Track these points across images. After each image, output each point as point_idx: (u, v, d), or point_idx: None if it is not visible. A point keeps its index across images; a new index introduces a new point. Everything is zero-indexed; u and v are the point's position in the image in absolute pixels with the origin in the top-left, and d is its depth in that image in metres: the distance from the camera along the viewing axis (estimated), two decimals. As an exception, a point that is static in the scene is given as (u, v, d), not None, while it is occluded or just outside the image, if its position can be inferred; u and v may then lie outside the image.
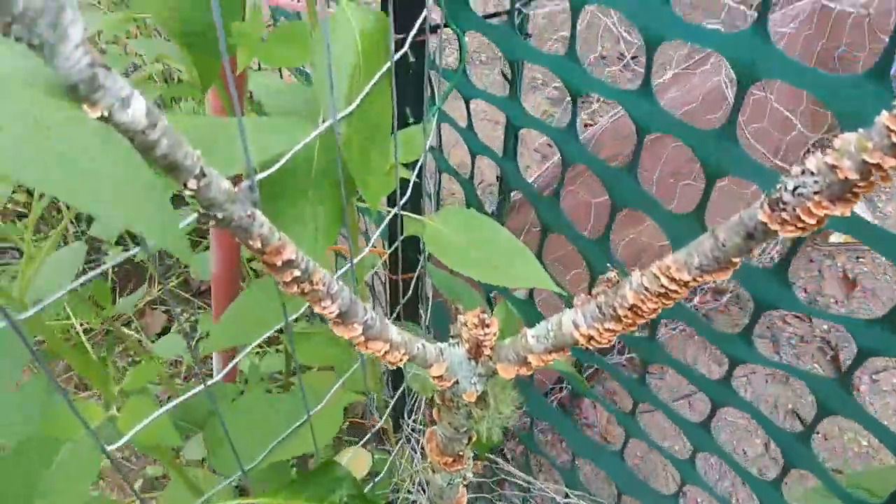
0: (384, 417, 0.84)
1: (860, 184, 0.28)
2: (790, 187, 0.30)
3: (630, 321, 0.38)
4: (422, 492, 1.11)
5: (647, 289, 0.36)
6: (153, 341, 1.63)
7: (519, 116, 0.80)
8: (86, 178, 0.23)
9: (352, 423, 1.16)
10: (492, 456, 1.00)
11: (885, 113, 0.26)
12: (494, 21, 0.78)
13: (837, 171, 0.28)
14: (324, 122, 0.44)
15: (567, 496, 0.89)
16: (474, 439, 0.56)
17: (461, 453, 0.56)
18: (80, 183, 0.22)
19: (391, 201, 0.63)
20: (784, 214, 0.30)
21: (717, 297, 1.91)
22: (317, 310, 0.37)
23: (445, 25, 0.79)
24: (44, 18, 0.22)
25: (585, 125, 2.11)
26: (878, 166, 0.27)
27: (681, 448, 1.64)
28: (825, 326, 1.85)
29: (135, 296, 1.30)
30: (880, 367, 1.72)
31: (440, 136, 0.95)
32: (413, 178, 0.66)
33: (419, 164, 0.66)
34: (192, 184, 0.29)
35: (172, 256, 1.92)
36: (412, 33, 0.65)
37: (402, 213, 0.62)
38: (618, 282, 0.39)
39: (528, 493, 1.00)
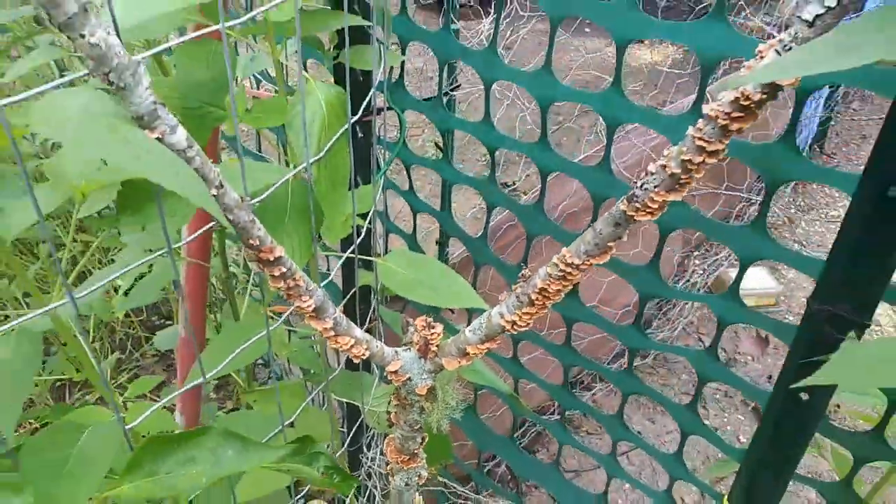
0: (340, 451, 0.91)
1: (683, 177, 0.41)
2: (639, 185, 0.43)
3: (541, 303, 0.50)
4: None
5: (550, 275, 0.48)
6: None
7: (452, 175, 0.95)
8: (148, 165, 0.33)
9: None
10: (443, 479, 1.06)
11: (690, 128, 0.40)
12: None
13: (667, 169, 0.41)
14: (296, 167, 0.56)
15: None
16: (426, 440, 0.65)
17: (416, 451, 0.64)
18: (143, 167, 0.33)
19: (346, 247, 0.74)
20: (637, 204, 0.43)
21: (644, 358, 2.05)
22: (296, 304, 0.47)
23: (389, 108, 0.93)
24: (128, 70, 0.34)
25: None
26: (690, 161, 0.40)
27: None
28: (748, 379, 2.00)
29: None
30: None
31: (386, 202, 1.09)
32: (366, 225, 0.77)
33: (369, 216, 0.78)
34: (213, 191, 0.40)
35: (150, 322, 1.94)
36: (360, 113, 0.78)
37: (357, 256, 0.73)
38: (529, 276, 0.51)
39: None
